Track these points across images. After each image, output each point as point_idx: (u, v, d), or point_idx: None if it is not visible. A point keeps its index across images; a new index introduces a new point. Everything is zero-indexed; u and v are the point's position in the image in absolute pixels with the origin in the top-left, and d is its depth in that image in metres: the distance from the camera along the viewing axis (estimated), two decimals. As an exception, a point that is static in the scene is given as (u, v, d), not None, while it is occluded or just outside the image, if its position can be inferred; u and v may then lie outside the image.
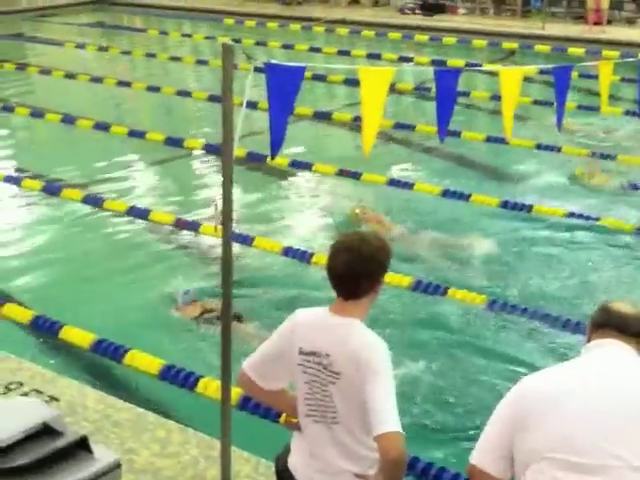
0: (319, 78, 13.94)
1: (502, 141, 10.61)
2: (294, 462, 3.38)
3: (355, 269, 3.19)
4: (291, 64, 4.07)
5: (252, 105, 7.84)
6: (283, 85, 4.02)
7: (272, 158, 4.31)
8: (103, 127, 12.27)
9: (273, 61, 4.00)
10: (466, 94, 13.16)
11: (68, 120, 12.68)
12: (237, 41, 18.16)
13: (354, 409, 3.14)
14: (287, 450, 3.45)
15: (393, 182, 9.76)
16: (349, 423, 3.17)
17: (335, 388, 3.17)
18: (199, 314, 6.79)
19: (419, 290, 7.18)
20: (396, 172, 10.12)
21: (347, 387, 3.13)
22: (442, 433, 5.47)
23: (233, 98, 3.87)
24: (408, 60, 16.76)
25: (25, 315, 6.73)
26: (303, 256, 7.83)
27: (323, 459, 3.26)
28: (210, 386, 5.52)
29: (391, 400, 3.04)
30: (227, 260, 4.10)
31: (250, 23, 21.29)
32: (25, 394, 5.30)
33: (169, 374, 5.82)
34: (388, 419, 2.99)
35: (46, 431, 2.78)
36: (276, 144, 4.16)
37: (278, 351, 3.32)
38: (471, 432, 5.12)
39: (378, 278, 3.24)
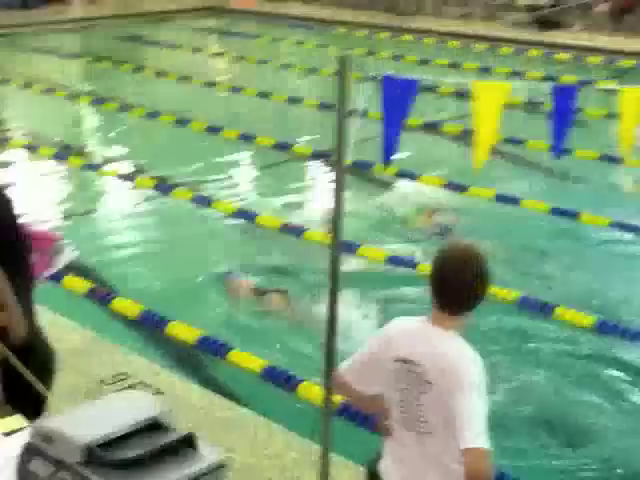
0: (429, 89, 13.92)
1: (616, 160, 10.38)
2: (384, 467, 3.42)
3: (463, 282, 3.20)
4: (406, 77, 4.11)
5: (362, 113, 7.87)
6: (397, 97, 4.07)
7: (385, 167, 4.36)
8: (215, 130, 12.54)
9: (388, 73, 4.04)
10: (578, 110, 12.93)
11: (181, 122, 13.01)
12: (348, 51, 18.28)
13: (444, 421, 3.15)
14: (378, 455, 3.50)
15: (500, 197, 9.66)
16: (439, 434, 3.19)
17: (427, 398, 3.19)
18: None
19: (526, 308, 7.11)
20: (503, 187, 10.00)
21: (438, 398, 3.15)
22: (540, 454, 5.41)
23: (347, 109, 3.93)
24: (520, 75, 16.55)
25: (133, 309, 6.94)
26: (408, 265, 7.83)
27: (411, 467, 3.29)
28: (312, 390, 5.59)
29: (481, 415, 3.05)
30: (335, 268, 4.15)
31: (361, 33, 21.38)
32: (132, 386, 5.47)
33: (271, 375, 5.91)
34: (476, 434, 3.00)
35: (154, 426, 2.83)
36: (388, 154, 4.20)
37: (374, 356, 3.37)
38: (571, 453, 5.05)
39: (483, 294, 3.24)
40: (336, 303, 4.07)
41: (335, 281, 4.08)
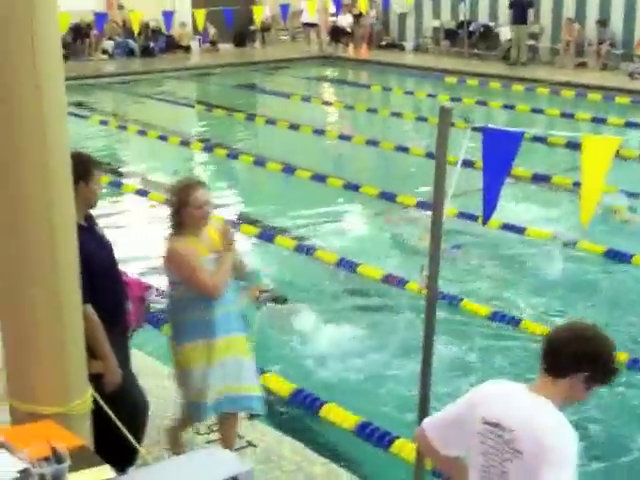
0: (539, 140, 13.64)
1: None
2: None
3: (566, 345, 3.06)
4: (509, 129, 3.98)
5: (469, 164, 7.75)
6: (500, 150, 3.94)
7: (484, 223, 4.22)
8: (320, 178, 12.59)
9: (491, 125, 3.93)
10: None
11: (288, 170, 13.11)
12: (457, 100, 18.21)
13: None
14: None
15: (611, 253, 9.31)
16: None
17: (513, 466, 3.04)
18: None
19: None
20: (616, 242, 9.63)
21: (527, 469, 3.00)
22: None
23: (447, 159, 3.85)
24: (635, 126, 16.09)
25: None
26: (510, 322, 7.62)
27: None
28: (405, 447, 5.43)
29: None
30: (430, 323, 4.03)
31: (472, 82, 21.25)
32: (225, 437, 5.42)
33: (364, 431, 5.77)
34: None
35: (235, 485, 2.77)
36: (489, 209, 4.07)
37: (460, 417, 3.24)
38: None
39: (588, 366, 3.07)
40: (431, 352, 3.95)
41: (430, 331, 3.96)
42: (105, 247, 4.57)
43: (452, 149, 4.00)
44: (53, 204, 3.88)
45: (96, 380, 4.35)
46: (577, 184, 10.76)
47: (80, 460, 3.69)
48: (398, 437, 5.60)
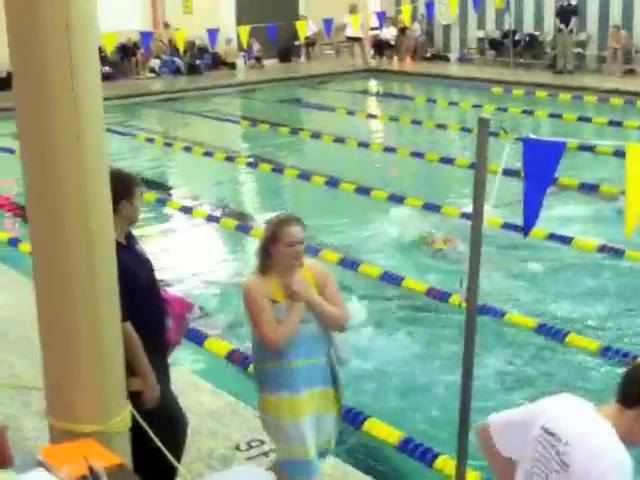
0: (585, 149, 13.44)
1: None
2: None
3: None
4: (550, 139, 3.91)
5: (513, 173, 7.66)
6: (541, 160, 3.87)
7: (525, 234, 4.14)
8: (364, 191, 12.54)
9: (532, 136, 3.85)
10: None
11: (332, 183, 13.09)
12: (504, 110, 18.05)
13: None
14: None
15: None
16: None
17: (558, 478, 2.97)
18: None
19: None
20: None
21: None
22: None
23: (486, 169, 3.81)
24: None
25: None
26: (557, 335, 7.50)
27: None
28: (448, 464, 5.34)
29: None
30: (470, 336, 3.96)
31: (518, 92, 21.05)
32: (265, 453, 5.39)
33: (407, 447, 5.69)
34: None
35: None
36: (530, 220, 3.99)
37: (526, 420, 3.19)
38: None
39: None
40: (471, 365, 3.88)
41: (470, 344, 3.89)
42: (144, 265, 4.58)
43: (497, 160, 3.94)
44: (90, 221, 3.91)
45: (135, 398, 4.34)
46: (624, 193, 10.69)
47: (118, 478, 3.69)
48: (440, 454, 5.51)
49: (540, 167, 3.88)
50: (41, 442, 5.23)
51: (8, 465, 4.33)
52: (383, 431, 5.90)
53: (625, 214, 4.04)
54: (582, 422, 3.04)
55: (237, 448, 5.49)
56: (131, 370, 4.33)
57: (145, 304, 4.46)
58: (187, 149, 16.25)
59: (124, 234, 4.48)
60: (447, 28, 26.77)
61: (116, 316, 4.11)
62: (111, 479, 3.60)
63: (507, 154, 3.90)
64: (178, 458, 4.64)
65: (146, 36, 22.53)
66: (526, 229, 4.00)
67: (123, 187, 4.35)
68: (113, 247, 4.04)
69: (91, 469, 3.60)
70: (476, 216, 3.92)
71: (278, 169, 14.43)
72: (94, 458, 3.71)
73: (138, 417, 4.21)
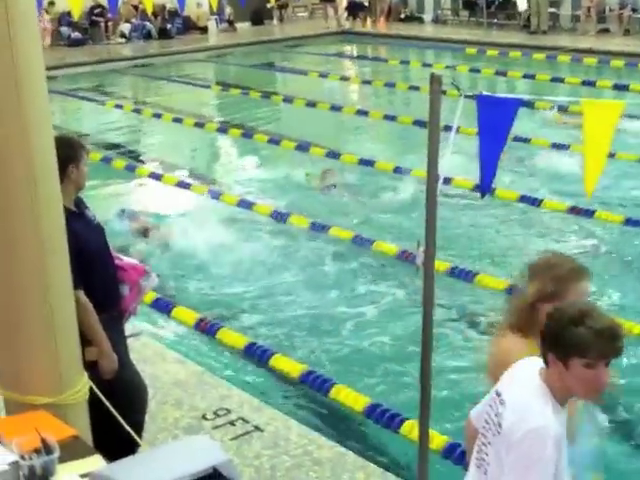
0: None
1: None
2: None
3: (556, 325, 2.84)
4: (504, 96, 3.82)
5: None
6: (495, 117, 3.78)
7: (482, 196, 4.07)
8: (334, 155, 12.43)
9: (485, 93, 3.76)
10: None
11: (302, 147, 12.96)
12: (477, 71, 17.94)
13: (498, 471, 2.88)
14: None
15: (630, 221, 9.09)
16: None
17: (494, 440, 2.92)
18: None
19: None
20: (633, 211, 9.41)
21: (499, 448, 2.88)
22: None
23: (440, 128, 3.72)
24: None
25: (239, 341, 6.83)
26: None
27: None
28: (414, 429, 5.30)
29: None
30: (428, 301, 3.89)
31: (492, 52, 20.93)
32: (232, 422, 5.35)
33: (374, 413, 5.66)
34: None
35: (215, 475, 2.69)
36: (487, 181, 3.90)
37: (494, 392, 3.08)
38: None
39: (563, 353, 2.80)
40: (430, 333, 3.81)
41: (429, 309, 3.82)
42: (95, 230, 4.47)
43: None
44: (37, 183, 3.79)
45: (92, 368, 4.27)
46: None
47: (71, 450, 3.61)
48: (408, 418, 5.48)
49: (495, 125, 3.79)
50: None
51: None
52: (350, 397, 5.86)
53: (584, 173, 3.98)
54: (521, 383, 2.93)
55: (204, 417, 5.43)
56: (87, 340, 4.25)
57: (97, 270, 4.36)
58: (157, 115, 16.05)
59: (73, 201, 4.37)
60: (420, -12, 26.55)
61: (67, 283, 4.01)
62: (64, 451, 3.52)
63: (458, 112, 3.80)
64: (140, 427, 4.58)
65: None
66: (483, 188, 3.93)
67: (69, 152, 4.24)
68: (61, 213, 3.93)
69: (43, 441, 3.52)
70: (430, 175, 3.83)
71: (247, 134, 14.27)
72: (46, 430, 3.64)
73: (95, 389, 4.14)
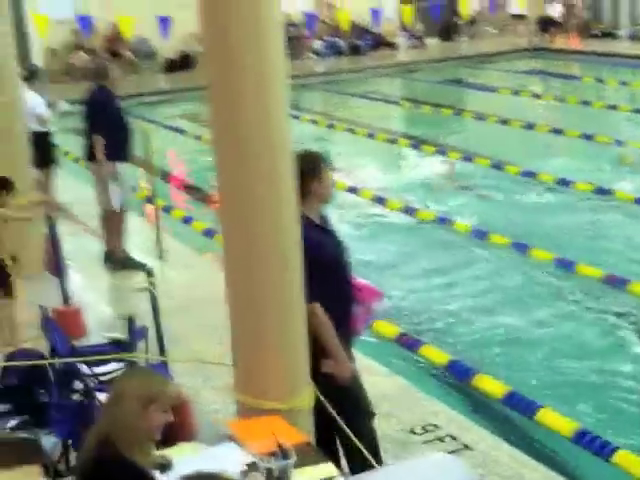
0: None
1: None
2: None
3: None
4: None
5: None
6: None
7: None
8: (529, 174, 12.26)
9: None
10: None
11: (497, 165, 12.86)
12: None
13: None
14: None
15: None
16: None
17: None
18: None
19: None
20: None
21: None
22: None
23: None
24: None
25: (442, 358, 6.88)
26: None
27: None
28: (628, 459, 5.19)
29: None
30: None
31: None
32: (441, 439, 5.39)
33: (582, 439, 5.56)
34: None
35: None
36: None
37: None
38: None
39: None
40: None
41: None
42: (338, 246, 4.53)
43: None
44: (281, 201, 4.04)
45: (325, 379, 4.36)
46: None
47: (305, 456, 3.78)
48: (619, 447, 5.35)
49: None
50: (221, 416, 5.44)
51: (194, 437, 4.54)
52: (557, 421, 5.77)
53: None
54: None
55: (412, 431, 5.50)
56: (323, 352, 4.33)
57: (334, 285, 4.39)
58: (350, 130, 16.31)
59: (318, 214, 4.48)
60: (615, 3, 25.64)
61: (300, 297, 4.20)
62: (298, 457, 3.69)
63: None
64: (370, 438, 4.58)
65: (310, 17, 22.74)
66: None
67: (310, 167, 4.36)
68: (298, 227, 4.13)
69: (280, 446, 3.70)
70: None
71: (442, 151, 14.29)
72: (282, 435, 3.82)
73: (320, 397, 4.29)
